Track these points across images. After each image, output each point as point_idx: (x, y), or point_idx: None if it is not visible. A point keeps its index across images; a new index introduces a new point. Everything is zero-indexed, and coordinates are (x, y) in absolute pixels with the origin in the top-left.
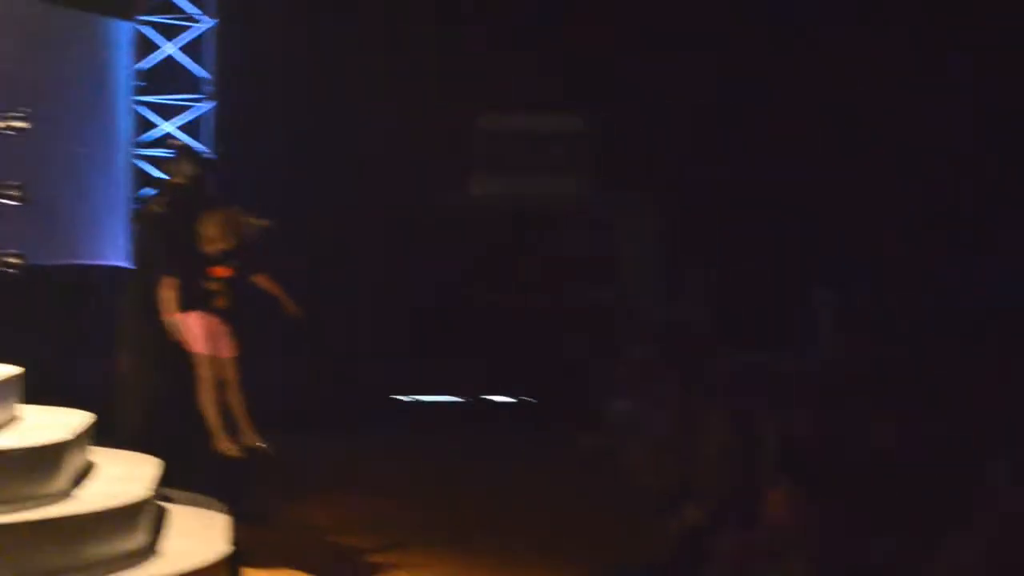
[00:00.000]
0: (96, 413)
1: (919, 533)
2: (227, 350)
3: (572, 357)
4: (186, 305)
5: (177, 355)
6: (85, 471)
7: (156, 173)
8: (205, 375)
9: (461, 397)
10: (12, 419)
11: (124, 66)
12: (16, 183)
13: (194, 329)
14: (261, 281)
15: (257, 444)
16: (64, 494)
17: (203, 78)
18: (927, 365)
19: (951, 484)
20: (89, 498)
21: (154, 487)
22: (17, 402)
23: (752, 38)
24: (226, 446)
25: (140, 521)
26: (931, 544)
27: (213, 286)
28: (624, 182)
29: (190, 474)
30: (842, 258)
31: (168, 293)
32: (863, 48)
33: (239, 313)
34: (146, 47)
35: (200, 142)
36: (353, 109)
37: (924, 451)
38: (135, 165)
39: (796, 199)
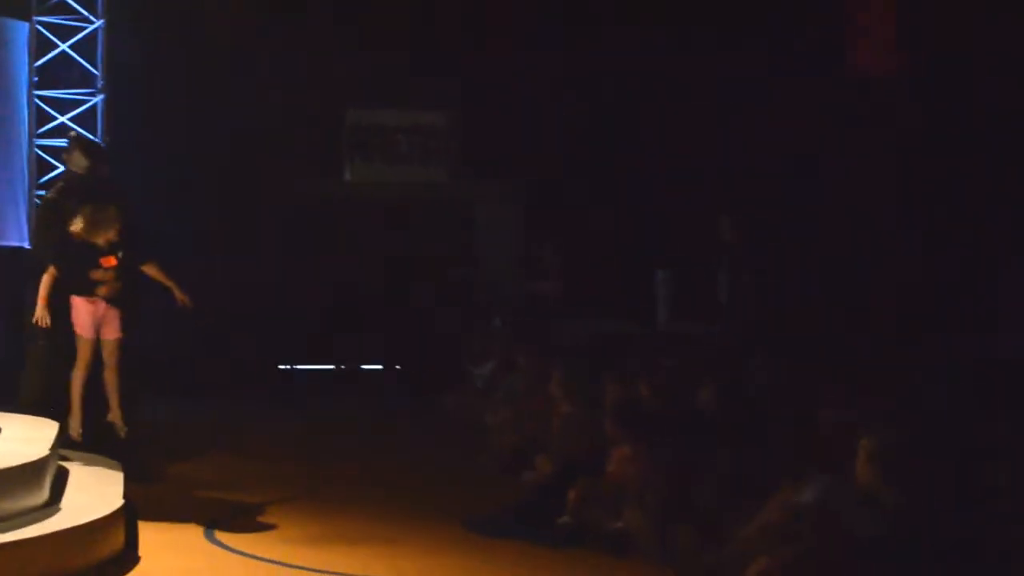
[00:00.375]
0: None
1: (739, 481)
2: (111, 333)
3: (439, 329)
4: (74, 291)
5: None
6: None
7: (54, 162)
8: (82, 356)
9: (337, 365)
10: None
11: (23, 63)
12: None
13: (79, 314)
14: (150, 270)
15: (117, 423)
16: None
17: (94, 74)
18: (746, 338)
19: (763, 438)
20: None
21: (53, 447)
22: None
23: (597, 40)
24: (75, 427)
25: (41, 479)
26: (748, 491)
27: (98, 275)
28: (484, 171)
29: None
30: (679, 241)
31: (46, 279)
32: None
33: (131, 299)
34: (43, 46)
35: (93, 133)
36: (233, 102)
37: (742, 410)
38: (36, 154)
39: (641, 188)
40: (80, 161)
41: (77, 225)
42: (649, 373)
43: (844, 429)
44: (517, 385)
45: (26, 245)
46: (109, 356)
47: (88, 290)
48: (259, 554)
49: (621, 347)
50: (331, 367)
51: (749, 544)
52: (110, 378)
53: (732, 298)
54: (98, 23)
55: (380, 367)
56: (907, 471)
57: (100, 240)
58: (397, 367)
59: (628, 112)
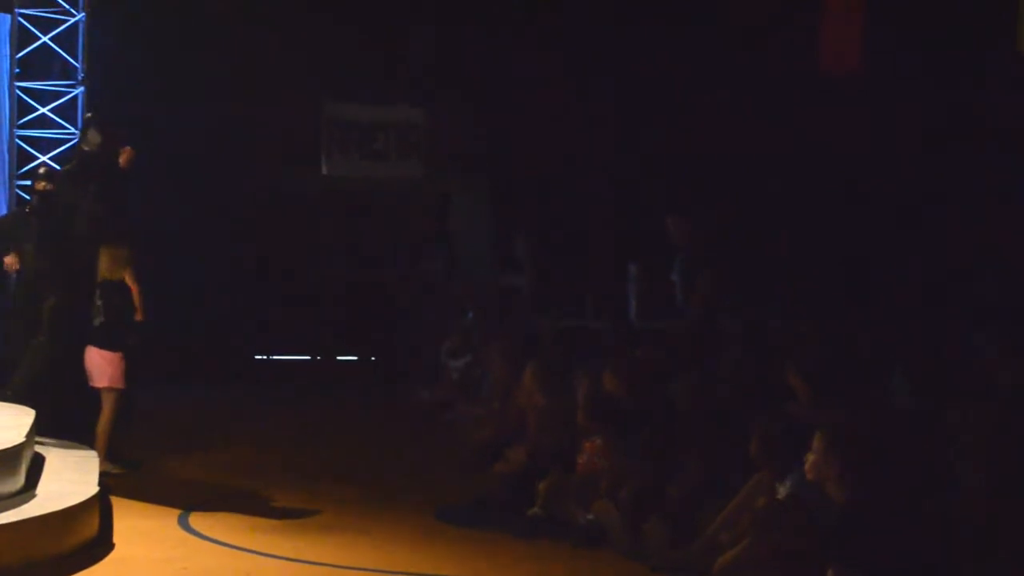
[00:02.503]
0: None
1: (708, 474)
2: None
3: (414, 321)
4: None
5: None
6: None
7: (34, 152)
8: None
9: (314, 356)
10: None
11: (4, 55)
12: None
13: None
14: (126, 276)
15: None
16: None
17: (75, 66)
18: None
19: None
20: None
21: (30, 434)
22: None
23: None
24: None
25: (17, 465)
26: (717, 484)
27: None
28: (458, 166)
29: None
30: (651, 235)
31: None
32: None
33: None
34: (24, 37)
35: (73, 125)
36: (212, 95)
37: (712, 406)
38: (16, 145)
39: (614, 181)
40: (94, 138)
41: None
42: (620, 366)
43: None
44: (491, 378)
45: None
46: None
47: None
48: (232, 542)
49: (593, 340)
50: (307, 358)
51: (719, 536)
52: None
53: (685, 298)
54: (79, 16)
55: (355, 358)
56: (858, 464)
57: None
58: (372, 359)
59: (601, 105)
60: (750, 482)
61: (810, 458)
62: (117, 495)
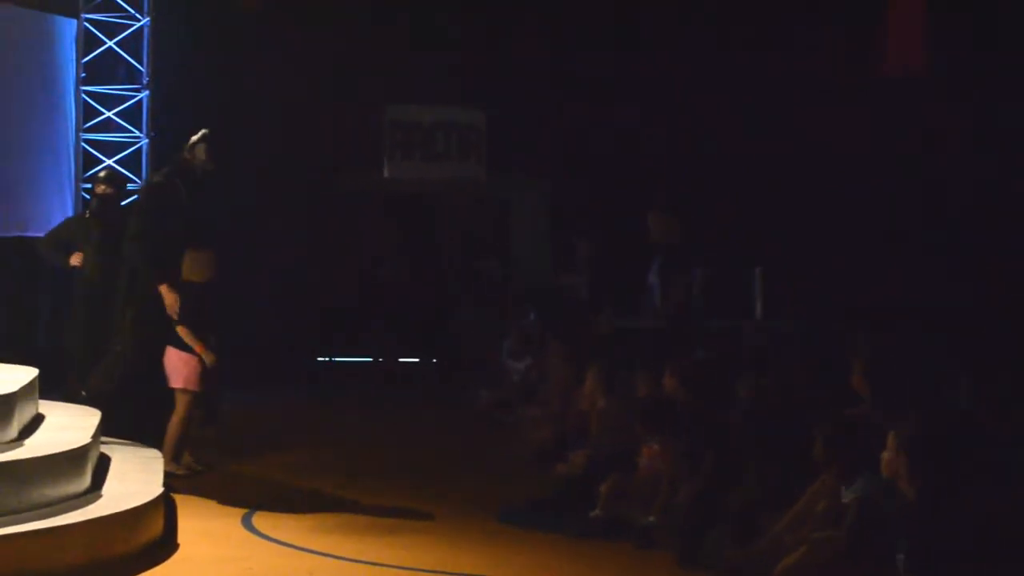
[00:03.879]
0: (47, 369)
1: (770, 478)
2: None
3: (474, 323)
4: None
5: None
6: (34, 421)
7: (100, 156)
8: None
9: (375, 358)
10: None
11: (71, 60)
12: None
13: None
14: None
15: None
16: (14, 442)
17: (140, 70)
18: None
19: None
20: (37, 445)
21: (96, 435)
22: None
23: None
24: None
25: (83, 466)
26: (779, 488)
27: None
28: (518, 168)
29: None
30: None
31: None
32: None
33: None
34: (90, 42)
35: (138, 128)
36: (276, 98)
37: (774, 409)
38: (82, 148)
39: (673, 184)
40: (200, 154)
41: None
42: (680, 368)
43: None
44: (552, 379)
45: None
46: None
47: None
48: (294, 543)
49: (654, 342)
50: (368, 360)
51: (782, 537)
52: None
53: (664, 299)
54: (144, 20)
55: (416, 360)
56: (931, 463)
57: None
58: (433, 360)
59: (660, 108)
60: (813, 485)
61: (885, 456)
62: (181, 495)
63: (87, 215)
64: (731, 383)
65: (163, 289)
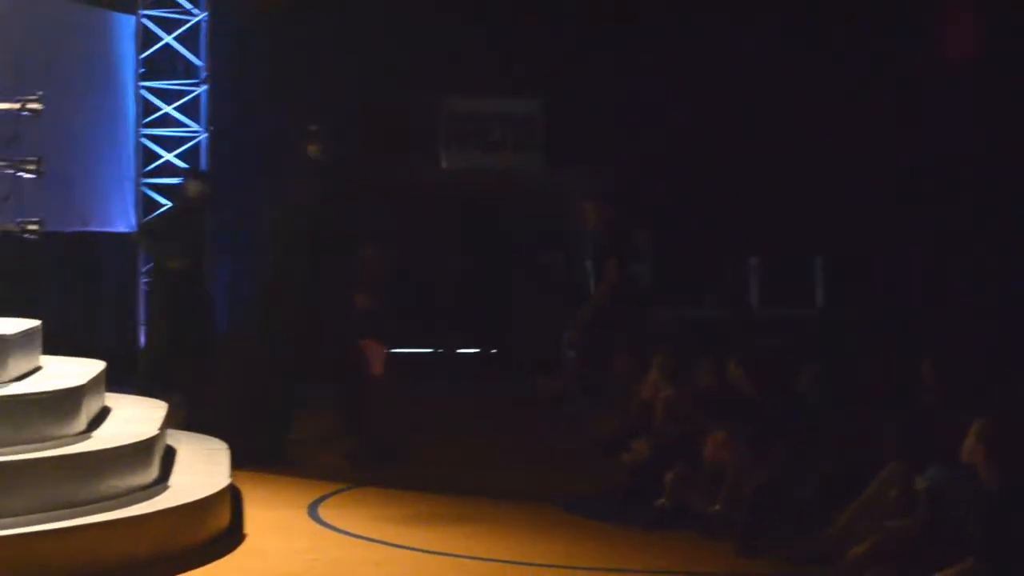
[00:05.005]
0: (109, 361)
1: (838, 468)
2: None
3: (533, 313)
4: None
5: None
6: (101, 413)
7: (160, 151)
8: None
9: (435, 349)
10: (35, 368)
11: (129, 55)
12: (34, 158)
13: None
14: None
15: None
16: (82, 434)
17: (198, 65)
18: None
19: (864, 428)
20: (104, 437)
21: (163, 427)
22: (38, 352)
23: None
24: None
25: (150, 457)
26: (849, 483)
27: None
28: (577, 158)
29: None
30: (772, 227)
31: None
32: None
33: None
34: (148, 38)
35: (196, 122)
36: (333, 91)
37: (839, 396)
38: (142, 144)
39: (734, 172)
40: (315, 151)
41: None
42: (744, 357)
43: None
44: (614, 369)
45: (133, 231)
46: None
47: None
48: (361, 533)
49: (716, 331)
50: (428, 351)
51: (851, 526)
52: None
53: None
54: (201, 15)
55: (476, 351)
56: (1012, 451)
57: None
58: (492, 351)
59: (723, 95)
60: (883, 472)
61: (966, 443)
62: (248, 487)
63: (180, 211)
64: (795, 372)
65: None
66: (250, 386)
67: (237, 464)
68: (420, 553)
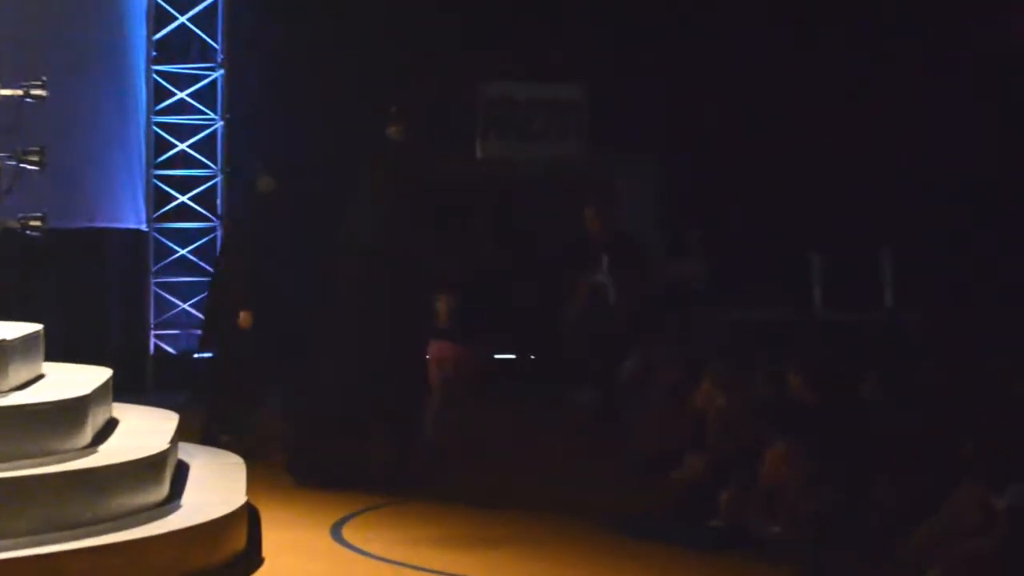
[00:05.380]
0: (117, 369)
1: (910, 492)
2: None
3: (575, 315)
4: None
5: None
6: (108, 426)
7: (172, 140)
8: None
9: None
10: (36, 376)
11: (140, 36)
12: (36, 148)
13: None
14: None
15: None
16: (88, 448)
17: (215, 48)
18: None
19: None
20: (112, 451)
21: (174, 440)
22: (40, 359)
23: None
24: None
25: (161, 474)
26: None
27: None
28: (622, 146)
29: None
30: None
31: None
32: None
33: None
34: (161, 18)
35: (212, 110)
36: (358, 77)
37: (907, 407)
38: (154, 132)
39: (796, 162)
40: (398, 131)
41: None
42: (805, 365)
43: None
44: (664, 377)
45: (143, 227)
46: None
47: None
48: (389, 556)
49: (774, 336)
50: None
51: (926, 548)
52: None
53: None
54: None
55: (512, 356)
56: None
57: None
58: (531, 357)
59: (784, 75)
60: (957, 494)
61: None
62: (267, 506)
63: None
64: (859, 381)
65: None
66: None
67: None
68: None
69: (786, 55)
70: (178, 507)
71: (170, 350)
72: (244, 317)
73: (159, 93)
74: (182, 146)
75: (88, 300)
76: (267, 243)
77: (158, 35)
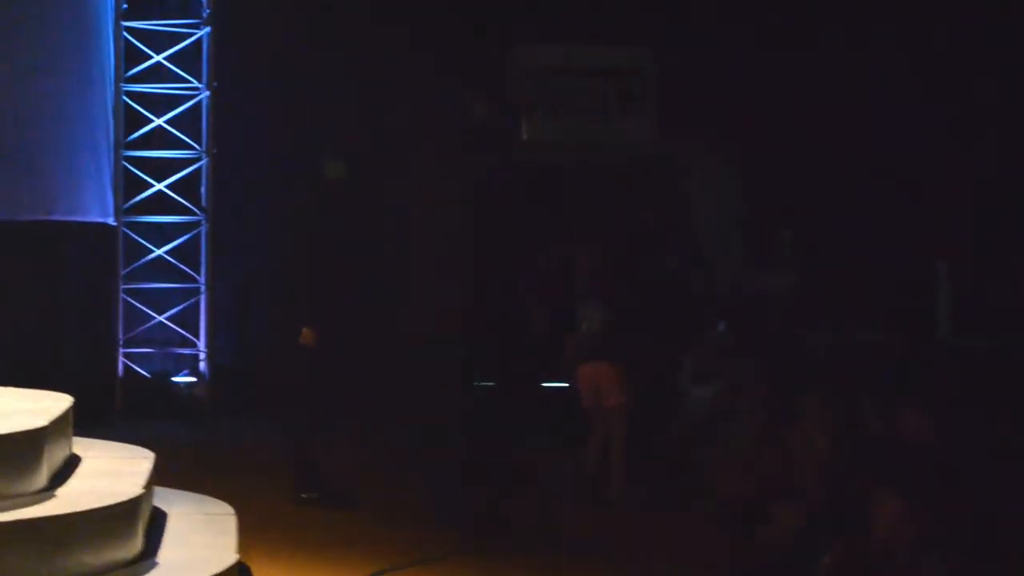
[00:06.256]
0: (78, 395)
1: None
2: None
3: (641, 336)
4: None
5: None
6: (67, 464)
7: (145, 112)
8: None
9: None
10: None
11: None
12: None
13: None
14: None
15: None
16: (43, 492)
17: (198, 0)
18: None
19: None
20: (72, 496)
21: (149, 483)
22: None
23: None
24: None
25: (134, 524)
26: None
27: None
28: (699, 126)
29: None
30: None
31: None
32: None
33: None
34: None
35: (196, 77)
36: (370, 41)
37: None
38: (123, 103)
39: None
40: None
41: None
42: (927, 400)
43: None
44: (749, 410)
45: (110, 221)
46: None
47: None
48: None
49: (887, 364)
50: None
51: None
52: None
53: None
54: None
55: (566, 386)
56: None
57: None
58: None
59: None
60: None
61: None
62: (260, 563)
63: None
64: (993, 420)
65: None
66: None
67: None
68: None
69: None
70: (154, 565)
71: (143, 372)
72: (307, 334)
73: (130, 56)
74: (158, 121)
75: (43, 310)
76: (335, 246)
77: None
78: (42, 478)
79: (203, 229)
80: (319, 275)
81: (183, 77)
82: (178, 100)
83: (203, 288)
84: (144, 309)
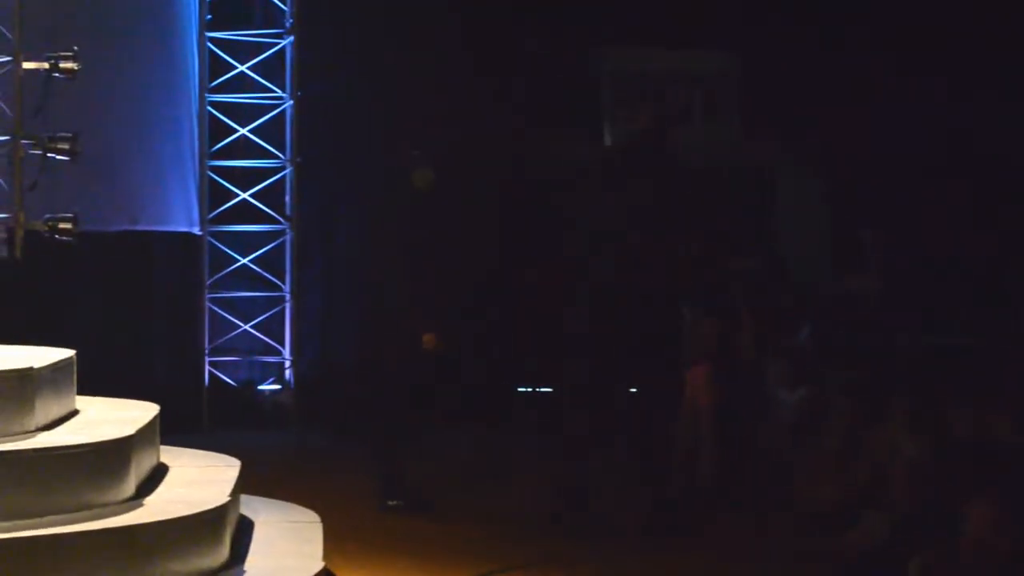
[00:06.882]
0: (165, 405)
1: None
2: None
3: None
4: None
5: None
6: (155, 473)
7: (230, 123)
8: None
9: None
10: (69, 412)
11: None
12: (67, 135)
13: None
14: None
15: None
16: (131, 500)
17: (282, 10)
18: None
19: None
20: (160, 504)
21: (235, 491)
22: (72, 392)
23: None
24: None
25: (221, 532)
26: None
27: None
28: (780, 131)
29: None
30: None
31: None
32: None
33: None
34: None
35: (280, 87)
36: (456, 47)
37: None
38: (207, 113)
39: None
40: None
41: None
42: (1015, 400)
43: None
44: (835, 416)
45: (196, 230)
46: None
47: None
48: None
49: (976, 367)
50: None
51: None
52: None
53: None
54: None
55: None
56: None
57: None
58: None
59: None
60: None
61: None
62: (347, 570)
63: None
64: None
65: None
66: None
67: None
68: None
69: None
70: (240, 573)
71: (229, 381)
72: (429, 339)
73: (214, 66)
74: (243, 131)
75: (130, 320)
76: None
77: None
78: (130, 487)
79: (287, 238)
80: (427, 282)
81: (267, 87)
82: (262, 110)
83: (288, 296)
84: (229, 318)
